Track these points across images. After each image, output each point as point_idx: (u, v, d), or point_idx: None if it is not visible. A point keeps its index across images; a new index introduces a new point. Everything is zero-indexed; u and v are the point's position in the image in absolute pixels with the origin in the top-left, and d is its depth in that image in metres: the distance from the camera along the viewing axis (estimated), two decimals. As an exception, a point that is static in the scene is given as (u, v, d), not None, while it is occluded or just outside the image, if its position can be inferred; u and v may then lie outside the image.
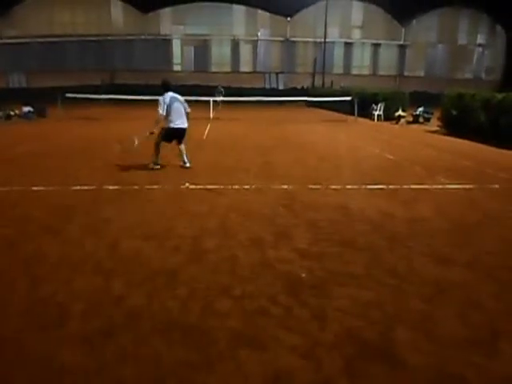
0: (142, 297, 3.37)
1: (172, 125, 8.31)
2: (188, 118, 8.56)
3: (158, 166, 8.48)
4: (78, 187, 6.98)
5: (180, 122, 8.37)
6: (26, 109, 21.28)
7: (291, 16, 45.86)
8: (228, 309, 3.22)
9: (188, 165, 8.65)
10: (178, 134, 8.47)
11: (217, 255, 4.24)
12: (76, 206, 5.99)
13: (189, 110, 8.59)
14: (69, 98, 22.25)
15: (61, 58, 45.49)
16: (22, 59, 45.86)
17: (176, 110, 8.27)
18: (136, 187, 7.02)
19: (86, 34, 45.01)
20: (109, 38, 45.16)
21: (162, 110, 8.13)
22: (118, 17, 46.31)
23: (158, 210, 5.80)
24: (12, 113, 20.55)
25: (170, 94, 8.30)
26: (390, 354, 2.73)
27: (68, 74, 42.90)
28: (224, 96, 27.60)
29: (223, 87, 31.25)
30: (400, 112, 20.00)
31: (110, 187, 7.01)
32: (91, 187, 6.97)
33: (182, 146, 8.70)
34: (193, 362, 2.61)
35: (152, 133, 8.22)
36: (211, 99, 22.36)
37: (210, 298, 3.36)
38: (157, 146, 8.41)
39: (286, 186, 7.18)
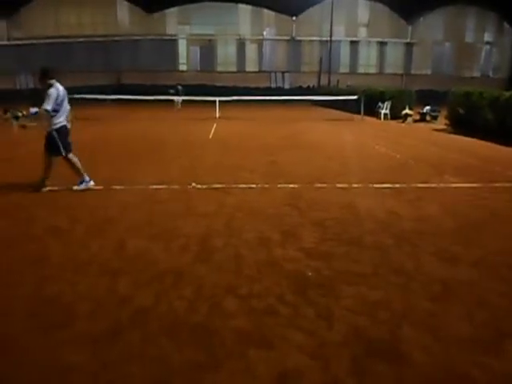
0: (149, 297, 3.38)
1: (65, 123, 6.75)
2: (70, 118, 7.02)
3: (92, 183, 6.94)
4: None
5: (66, 121, 6.81)
6: (34, 110, 21.35)
7: (297, 15, 45.79)
8: (235, 308, 3.22)
9: (92, 183, 6.90)
10: (67, 135, 6.81)
11: (223, 254, 4.24)
12: (81, 205, 6.03)
13: (69, 106, 6.93)
14: (76, 98, 22.34)
15: (68, 58, 45.67)
16: (30, 60, 46.06)
17: (65, 106, 6.75)
18: (142, 187, 7.04)
19: (92, 35, 45.23)
20: (115, 38, 45.33)
21: (49, 106, 6.39)
22: (124, 17, 46.50)
23: (165, 210, 5.81)
24: (19, 114, 20.66)
25: (58, 84, 6.60)
26: (398, 352, 2.71)
27: (75, 74, 43.10)
28: (185, 95, 27.70)
29: (228, 87, 31.48)
30: (407, 110, 19.88)
31: (116, 187, 7.04)
32: (98, 187, 7.00)
33: (72, 155, 6.86)
34: (200, 361, 2.61)
35: (24, 126, 7.30)
36: (217, 99, 22.38)
37: (217, 298, 3.36)
38: (49, 159, 6.72)
39: (292, 185, 7.17)
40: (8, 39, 46.42)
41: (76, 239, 4.69)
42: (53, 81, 6.53)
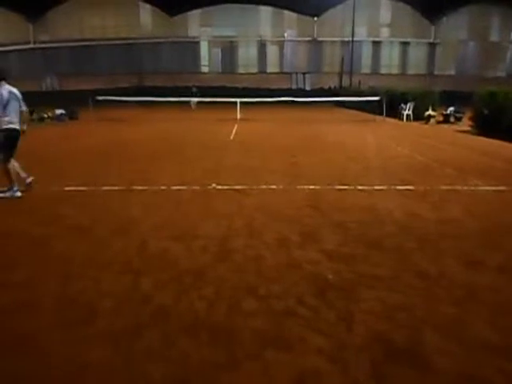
0: (170, 296, 3.42)
1: (15, 125, 6.46)
2: (23, 120, 6.67)
3: (19, 194, 6.55)
4: (108, 187, 7.14)
5: (18, 123, 6.52)
6: (59, 111, 21.92)
7: (318, 16, 45.64)
8: (254, 309, 3.22)
9: (18, 194, 6.52)
10: (16, 139, 6.55)
11: (243, 255, 4.26)
12: (105, 205, 6.13)
13: (25, 107, 6.68)
14: (99, 100, 22.79)
15: (91, 61, 46.70)
16: (55, 63, 47.31)
17: (14, 107, 6.46)
18: (164, 187, 7.12)
19: (115, 38, 46.01)
20: (137, 41, 46.01)
21: None
22: (147, 20, 47.17)
23: (186, 211, 5.87)
24: (45, 115, 21.20)
25: (7, 86, 6.43)
26: (419, 357, 2.67)
27: (98, 77, 43.99)
28: (202, 96, 28.11)
29: (250, 88, 31.83)
30: (430, 111, 19.58)
31: (138, 187, 7.14)
32: (120, 187, 7.12)
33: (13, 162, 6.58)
34: (219, 361, 2.63)
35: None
36: (238, 100, 22.47)
37: (236, 298, 3.38)
38: (5, 164, 6.43)
39: (313, 187, 7.14)
40: (34, 42, 47.63)
41: (99, 238, 4.77)
42: (2, 82, 6.42)
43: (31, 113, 20.38)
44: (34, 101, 28.51)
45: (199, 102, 28.48)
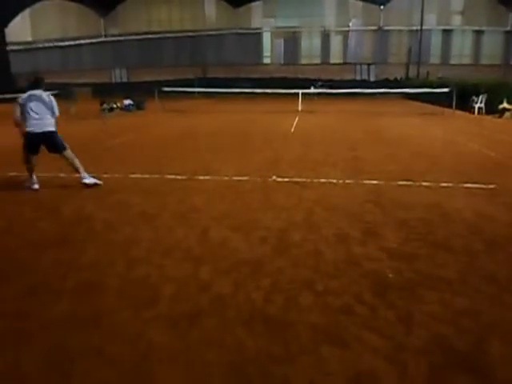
0: (228, 285, 3.49)
1: (27, 129, 6.58)
2: (53, 122, 6.73)
3: (36, 186, 6.75)
4: (172, 176, 7.39)
5: (37, 125, 6.55)
6: (127, 102, 22.98)
7: (385, 4, 44.00)
8: (311, 304, 3.21)
9: (87, 181, 6.76)
10: (37, 141, 6.62)
11: (302, 249, 4.24)
12: (169, 193, 6.35)
13: (56, 111, 6.77)
14: (165, 91, 23.56)
15: (158, 53, 48.32)
16: (124, 55, 49.47)
17: (31, 111, 6.53)
18: (226, 178, 7.25)
19: (180, 30, 47.23)
20: (202, 33, 46.90)
21: (15, 112, 6.61)
22: (211, 12, 47.91)
23: (246, 201, 5.94)
24: (114, 105, 22.29)
25: (30, 92, 6.67)
26: (481, 366, 2.53)
27: (164, 68, 45.45)
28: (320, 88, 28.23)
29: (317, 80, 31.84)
30: (504, 104, 18.32)
31: (201, 177, 7.32)
32: (183, 177, 7.34)
33: (66, 154, 6.79)
34: (274, 353, 2.65)
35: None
36: (300, 91, 22.30)
37: (293, 292, 3.38)
38: (25, 161, 6.75)
39: (375, 182, 6.95)
40: (105, 36, 50.03)
41: (163, 225, 4.96)
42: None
43: (101, 103, 21.63)
44: (105, 91, 30.04)
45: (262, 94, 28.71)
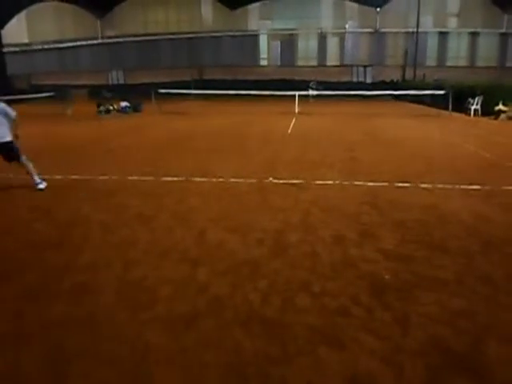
0: (225, 286, 3.49)
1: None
2: (12, 127, 6.65)
3: (42, 186, 6.78)
4: (169, 178, 7.39)
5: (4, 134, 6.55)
6: (124, 104, 22.94)
7: (381, 6, 44.09)
8: (308, 305, 3.21)
9: (42, 186, 6.75)
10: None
11: (298, 250, 4.25)
12: (166, 195, 6.35)
13: (14, 114, 6.63)
14: (161, 93, 23.54)
15: (154, 55, 48.27)
16: (120, 57, 49.40)
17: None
18: (222, 180, 7.25)
19: (177, 32, 47.20)
20: (198, 35, 46.90)
21: None
22: (208, 14, 47.89)
23: (243, 203, 5.95)
24: (111, 107, 22.26)
25: None
26: (478, 367, 2.55)
27: (160, 70, 45.40)
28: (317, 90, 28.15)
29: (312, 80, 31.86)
30: (500, 106, 18.39)
31: (198, 179, 7.32)
32: (180, 178, 7.33)
33: (22, 160, 6.72)
34: (271, 354, 2.65)
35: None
36: (296, 93, 22.33)
37: (290, 293, 3.38)
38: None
39: (371, 183, 6.97)
40: (102, 38, 49.94)
41: (160, 227, 4.96)
42: None
43: (98, 105, 21.60)
44: (102, 93, 29.93)
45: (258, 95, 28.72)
